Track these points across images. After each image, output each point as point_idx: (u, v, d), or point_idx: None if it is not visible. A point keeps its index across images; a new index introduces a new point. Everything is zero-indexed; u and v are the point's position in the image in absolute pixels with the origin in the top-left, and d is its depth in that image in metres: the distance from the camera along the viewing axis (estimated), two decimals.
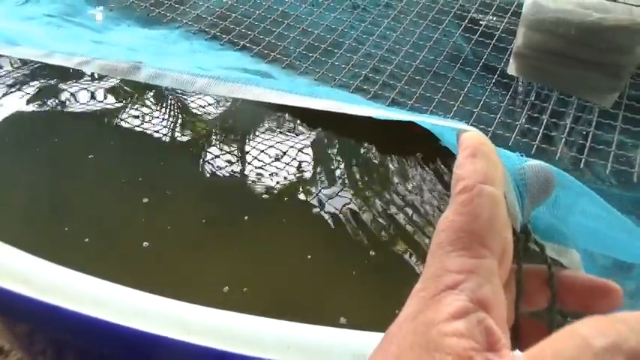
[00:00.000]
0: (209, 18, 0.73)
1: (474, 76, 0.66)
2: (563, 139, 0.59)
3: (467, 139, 0.20)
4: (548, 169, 0.22)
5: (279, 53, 0.66)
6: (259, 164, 0.61)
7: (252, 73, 0.58)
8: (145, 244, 0.52)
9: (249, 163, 0.62)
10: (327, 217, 0.57)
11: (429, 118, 0.28)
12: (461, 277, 0.16)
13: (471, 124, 0.59)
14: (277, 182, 0.60)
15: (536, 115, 0.63)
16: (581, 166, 0.57)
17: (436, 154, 0.62)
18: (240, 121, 0.68)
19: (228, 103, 0.69)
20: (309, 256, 0.53)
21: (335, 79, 0.64)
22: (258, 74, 0.59)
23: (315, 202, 0.58)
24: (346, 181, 0.61)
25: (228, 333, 0.35)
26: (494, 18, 0.76)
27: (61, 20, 0.66)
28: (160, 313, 0.36)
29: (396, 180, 0.61)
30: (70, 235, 0.53)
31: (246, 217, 0.55)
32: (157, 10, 0.74)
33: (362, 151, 0.65)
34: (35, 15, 0.67)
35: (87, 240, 0.53)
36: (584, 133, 0.62)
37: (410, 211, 0.58)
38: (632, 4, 0.56)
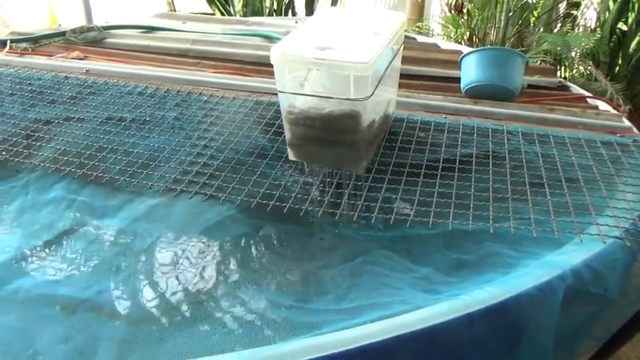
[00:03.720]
0: (45, 155, 0.86)
1: (266, 162, 0.86)
2: (343, 201, 0.78)
3: None
4: None
5: (100, 172, 0.81)
6: None
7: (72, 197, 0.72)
8: None
9: None
10: None
11: None
12: None
13: (259, 199, 0.77)
14: None
15: (314, 184, 0.82)
16: (354, 218, 0.74)
17: None
18: None
19: None
20: None
21: (149, 185, 0.79)
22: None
23: None
24: None
25: None
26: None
27: None
28: None
29: None
30: None
31: None
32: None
33: None
34: None
35: None
36: (353, 193, 0.81)
37: None
38: (358, 99, 0.78)
